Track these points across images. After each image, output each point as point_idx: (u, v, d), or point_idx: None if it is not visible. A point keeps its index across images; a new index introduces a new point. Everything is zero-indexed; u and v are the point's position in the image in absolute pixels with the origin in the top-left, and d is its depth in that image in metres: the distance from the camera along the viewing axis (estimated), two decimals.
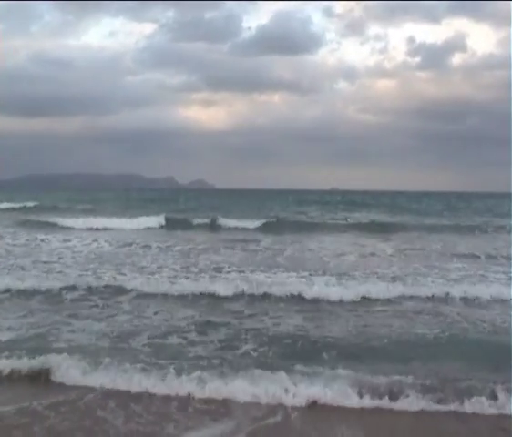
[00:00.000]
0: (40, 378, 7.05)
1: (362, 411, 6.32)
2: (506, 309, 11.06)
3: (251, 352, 8.19)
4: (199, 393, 6.59)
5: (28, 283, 12.20)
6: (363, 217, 39.17)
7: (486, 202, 67.23)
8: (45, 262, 16.03)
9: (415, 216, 40.80)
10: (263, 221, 31.09)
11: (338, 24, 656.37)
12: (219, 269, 15.05)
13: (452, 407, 6.35)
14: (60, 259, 16.96)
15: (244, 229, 28.67)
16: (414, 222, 33.38)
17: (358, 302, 11.49)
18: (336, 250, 20.33)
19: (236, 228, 29.12)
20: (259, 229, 28.74)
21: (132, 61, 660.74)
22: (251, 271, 14.72)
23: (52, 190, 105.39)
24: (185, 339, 8.82)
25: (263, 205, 56.12)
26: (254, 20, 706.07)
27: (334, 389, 6.52)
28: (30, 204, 43.97)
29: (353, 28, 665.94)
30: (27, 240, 21.57)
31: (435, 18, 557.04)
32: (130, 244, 21.14)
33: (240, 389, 6.58)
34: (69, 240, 21.86)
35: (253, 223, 30.40)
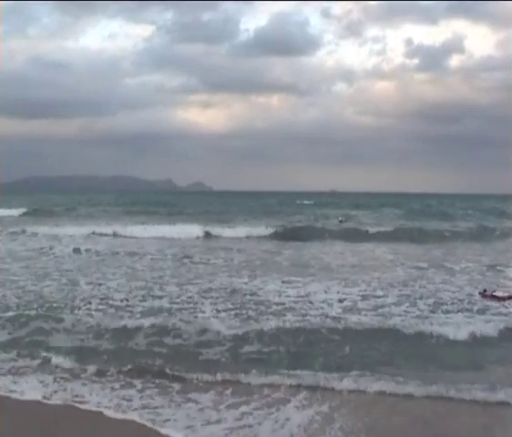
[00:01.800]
0: None
1: None
2: None
3: None
4: None
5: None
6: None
7: (481, 204, 66.84)
8: None
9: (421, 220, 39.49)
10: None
11: (336, 25, 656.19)
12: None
13: None
14: None
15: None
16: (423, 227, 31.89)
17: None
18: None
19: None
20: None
21: (130, 63, 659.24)
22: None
23: (57, 192, 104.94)
24: None
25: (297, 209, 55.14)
26: (252, 22, 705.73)
27: None
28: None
29: (351, 30, 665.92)
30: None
31: (432, 19, 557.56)
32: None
33: None
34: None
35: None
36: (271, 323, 9.88)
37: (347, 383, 7.32)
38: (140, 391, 7.20)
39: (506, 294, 12.50)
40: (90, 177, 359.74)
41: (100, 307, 11.33)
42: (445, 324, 10.16)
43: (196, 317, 10.56)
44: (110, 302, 11.72)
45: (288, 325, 9.90)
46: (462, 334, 9.40)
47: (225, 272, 16.19)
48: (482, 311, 11.28)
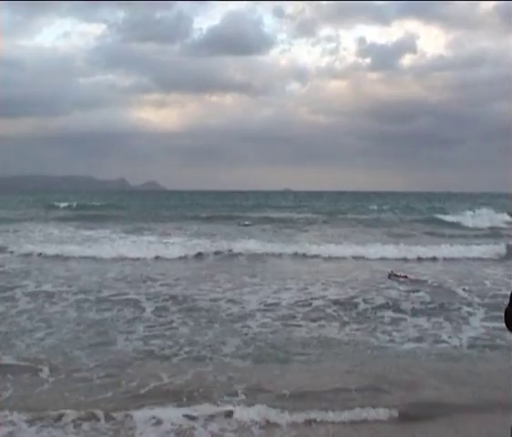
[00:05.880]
0: None
1: None
2: None
3: None
4: None
5: None
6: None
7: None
8: None
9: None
10: None
11: (289, 24, 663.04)
12: None
13: None
14: None
15: None
16: None
17: None
18: None
19: None
20: None
21: (84, 62, 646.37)
22: None
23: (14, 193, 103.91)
24: None
25: None
26: (205, 21, 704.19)
27: None
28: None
29: (305, 29, 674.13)
30: None
31: (385, 20, 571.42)
32: None
33: None
34: None
35: None
36: None
37: None
38: None
39: (403, 274, 16.29)
40: (43, 177, 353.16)
41: None
42: None
43: None
44: None
45: None
46: None
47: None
48: None
